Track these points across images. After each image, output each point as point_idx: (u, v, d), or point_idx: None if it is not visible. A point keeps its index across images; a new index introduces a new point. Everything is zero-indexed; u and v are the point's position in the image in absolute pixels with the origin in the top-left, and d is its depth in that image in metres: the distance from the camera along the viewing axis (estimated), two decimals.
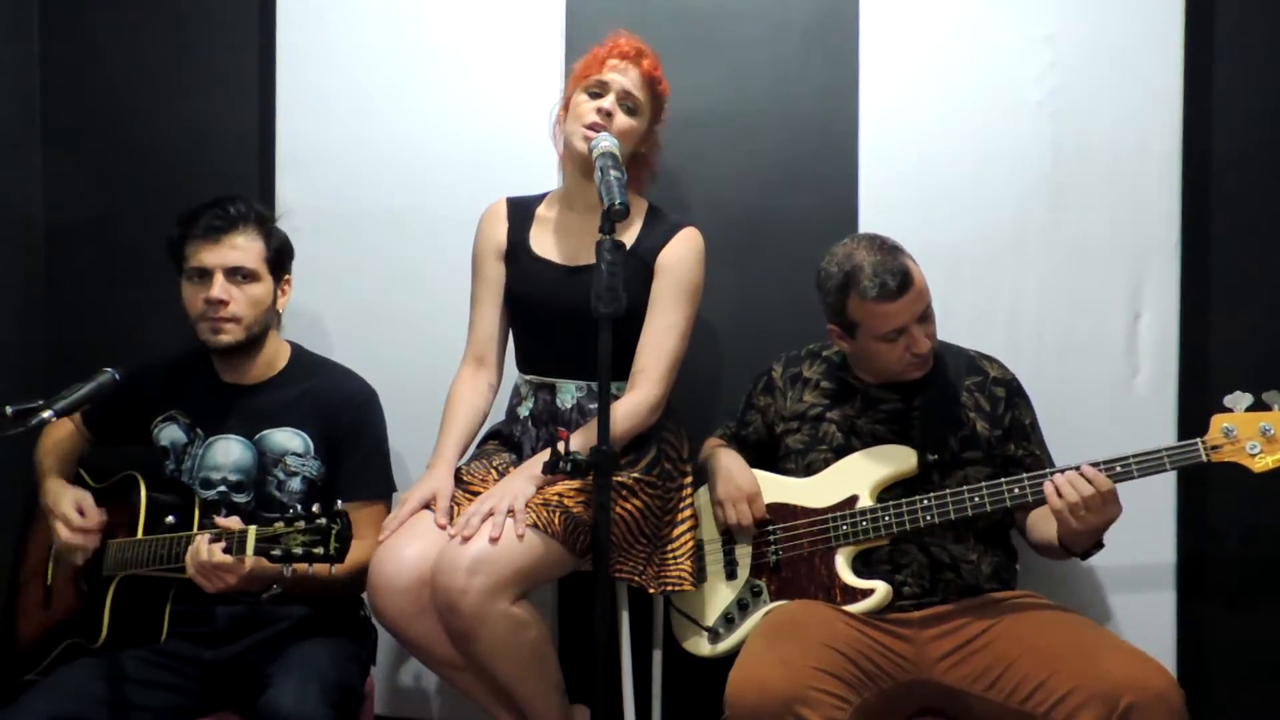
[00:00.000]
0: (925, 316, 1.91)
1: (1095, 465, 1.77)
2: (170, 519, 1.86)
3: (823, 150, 2.35)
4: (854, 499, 1.95)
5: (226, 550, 1.71)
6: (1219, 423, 1.77)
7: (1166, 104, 2.20)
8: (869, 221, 2.26)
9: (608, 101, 2.00)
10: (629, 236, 2.04)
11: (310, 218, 2.38)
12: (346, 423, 2.01)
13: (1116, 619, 2.21)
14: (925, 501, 1.89)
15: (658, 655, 2.14)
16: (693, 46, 2.36)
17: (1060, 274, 2.24)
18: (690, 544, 2.02)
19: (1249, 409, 1.76)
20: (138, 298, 2.47)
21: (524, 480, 1.90)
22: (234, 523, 1.74)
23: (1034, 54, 2.24)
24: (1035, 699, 1.70)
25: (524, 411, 2.09)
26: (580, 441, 1.89)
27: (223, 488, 1.97)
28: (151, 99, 2.54)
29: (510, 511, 1.83)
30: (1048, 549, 1.92)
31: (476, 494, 1.95)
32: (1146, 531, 2.15)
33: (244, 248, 1.95)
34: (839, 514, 1.95)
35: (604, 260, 1.64)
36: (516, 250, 2.10)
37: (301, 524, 1.68)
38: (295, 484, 1.98)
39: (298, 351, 2.10)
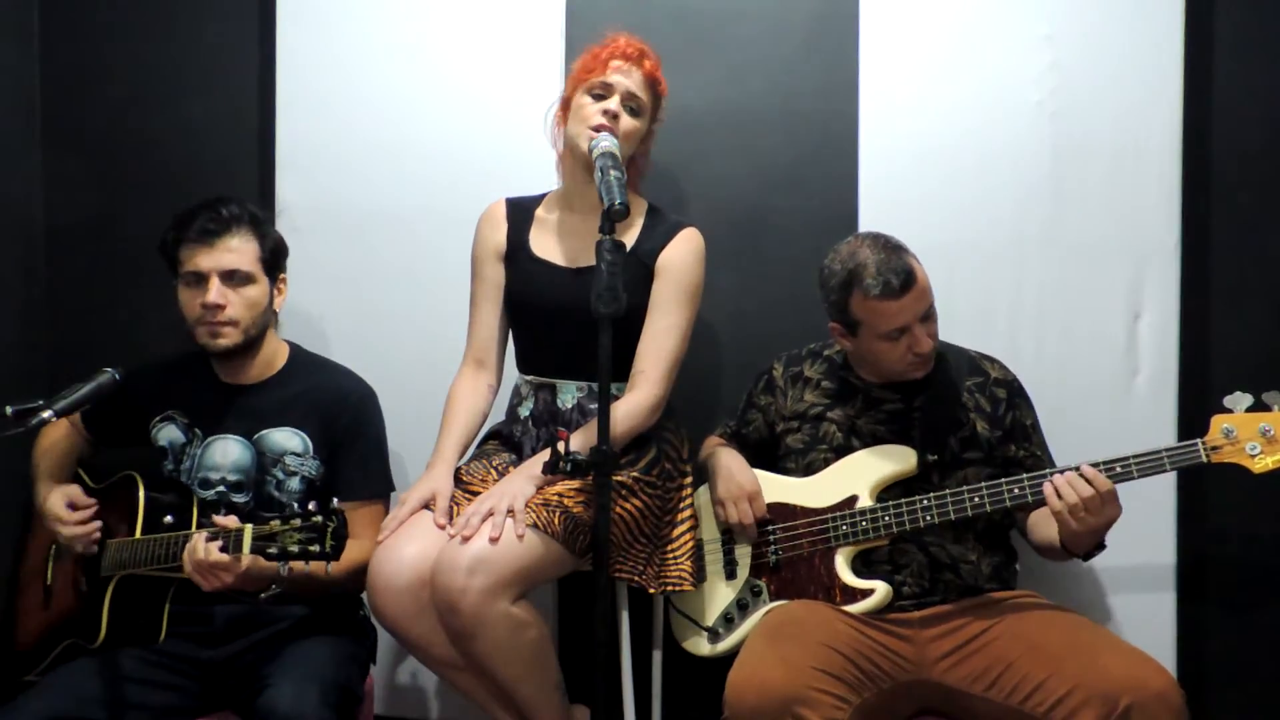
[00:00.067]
0: (928, 316, 1.91)
1: (1095, 466, 1.77)
2: (168, 519, 1.86)
3: (823, 150, 2.35)
4: (854, 499, 1.95)
5: (223, 549, 1.71)
6: (1219, 423, 1.77)
7: (1166, 104, 2.20)
8: (869, 221, 2.26)
9: (613, 103, 2.00)
10: (629, 237, 2.04)
11: (310, 218, 2.39)
12: (345, 422, 2.01)
13: (1116, 619, 2.21)
14: (925, 502, 1.89)
15: (658, 655, 2.14)
16: (693, 46, 2.37)
17: (1060, 274, 2.24)
18: (690, 544, 2.02)
19: (1249, 410, 1.76)
20: (138, 298, 2.47)
21: (524, 480, 1.90)
22: (231, 521, 1.74)
23: (1034, 54, 2.25)
24: (1035, 699, 1.70)
25: (524, 412, 2.09)
26: (580, 441, 1.89)
27: (221, 488, 1.97)
28: (151, 99, 2.54)
29: (510, 511, 1.83)
30: (1049, 550, 1.92)
31: (476, 494, 1.95)
32: (1146, 532, 2.15)
33: (238, 250, 1.94)
34: (839, 514, 1.94)
35: (604, 260, 1.64)
36: (516, 252, 2.10)
37: (297, 522, 1.68)
38: (294, 484, 1.98)
39: (296, 351, 2.10)
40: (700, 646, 2.03)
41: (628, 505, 1.93)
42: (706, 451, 2.16)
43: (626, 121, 2.00)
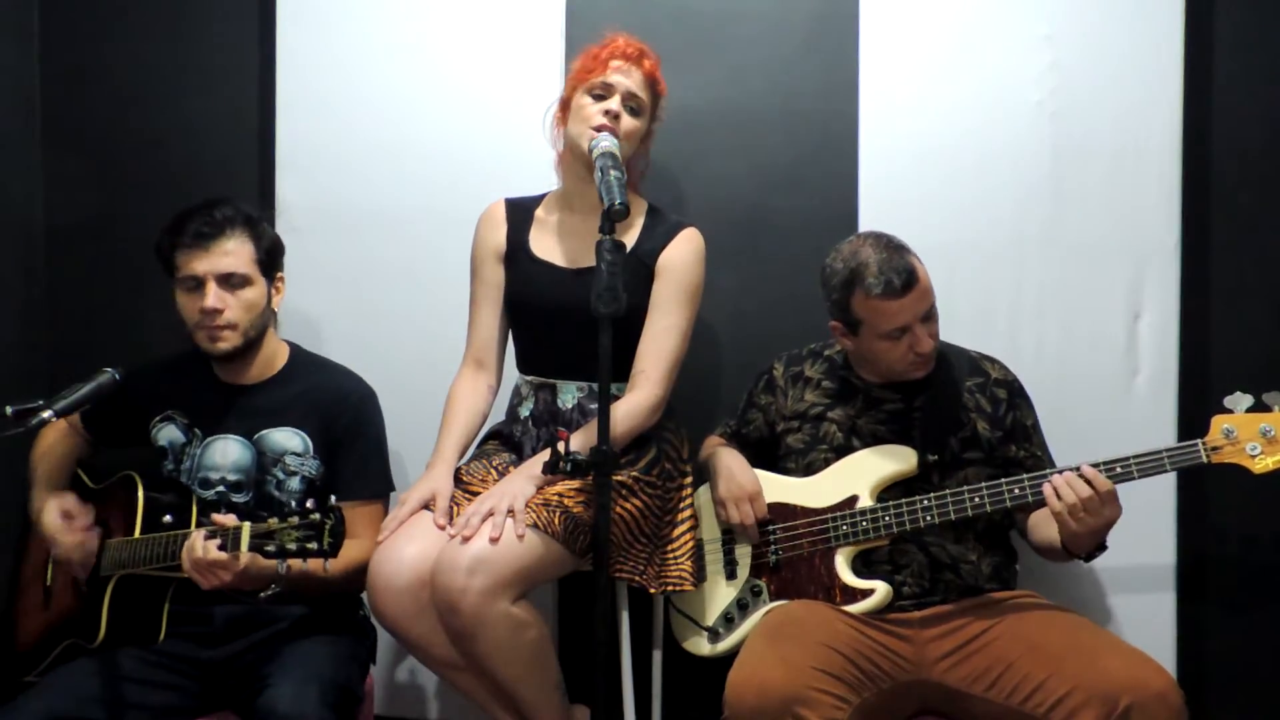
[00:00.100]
0: (929, 316, 1.91)
1: (1095, 466, 1.77)
2: (167, 518, 1.86)
3: (823, 150, 2.35)
4: (854, 499, 1.95)
5: (221, 547, 1.71)
6: (1219, 424, 1.77)
7: (1166, 104, 2.20)
8: (869, 221, 2.26)
9: (614, 103, 2.00)
10: (629, 237, 2.04)
11: (310, 218, 2.39)
12: (345, 422, 2.01)
13: (1116, 619, 2.21)
14: (925, 502, 1.89)
15: (658, 655, 2.14)
16: (693, 46, 2.36)
17: (1060, 274, 2.24)
18: (690, 544, 2.02)
19: (1249, 410, 1.76)
20: (138, 298, 2.47)
21: (524, 480, 1.90)
22: (229, 519, 1.74)
23: (1034, 54, 2.25)
24: (1035, 699, 1.70)
25: (524, 412, 2.09)
26: (580, 441, 1.89)
27: (221, 487, 1.97)
28: (151, 99, 2.54)
29: (510, 511, 1.83)
30: (1049, 551, 1.92)
31: (476, 494, 1.95)
32: (1146, 532, 2.14)
33: (234, 252, 1.93)
34: (839, 514, 1.94)
35: (604, 260, 1.64)
36: (516, 252, 2.10)
37: (295, 520, 1.68)
38: (294, 483, 1.98)
39: (296, 351, 2.09)
40: (700, 646, 2.03)
41: (628, 505, 1.93)
42: (707, 451, 2.16)
43: (627, 121, 2.01)
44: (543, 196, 2.16)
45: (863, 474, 1.95)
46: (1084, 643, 1.74)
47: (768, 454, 2.10)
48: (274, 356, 2.05)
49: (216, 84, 2.52)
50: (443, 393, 2.10)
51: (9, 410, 1.73)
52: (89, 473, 2.09)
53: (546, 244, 2.09)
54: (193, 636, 1.91)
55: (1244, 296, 2.28)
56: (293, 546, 1.67)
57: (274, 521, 1.68)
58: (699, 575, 2.02)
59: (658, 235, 2.05)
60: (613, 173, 1.76)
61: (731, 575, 2.03)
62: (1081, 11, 2.23)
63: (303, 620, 1.93)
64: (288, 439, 1.99)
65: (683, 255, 2.03)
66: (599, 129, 1.96)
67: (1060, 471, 1.78)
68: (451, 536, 1.83)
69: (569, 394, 2.04)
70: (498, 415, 2.16)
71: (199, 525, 1.86)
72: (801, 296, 2.29)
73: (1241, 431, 1.75)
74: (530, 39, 2.35)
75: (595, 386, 1.97)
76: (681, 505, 2.05)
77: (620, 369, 1.98)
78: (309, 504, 1.69)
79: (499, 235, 2.12)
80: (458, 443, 2.05)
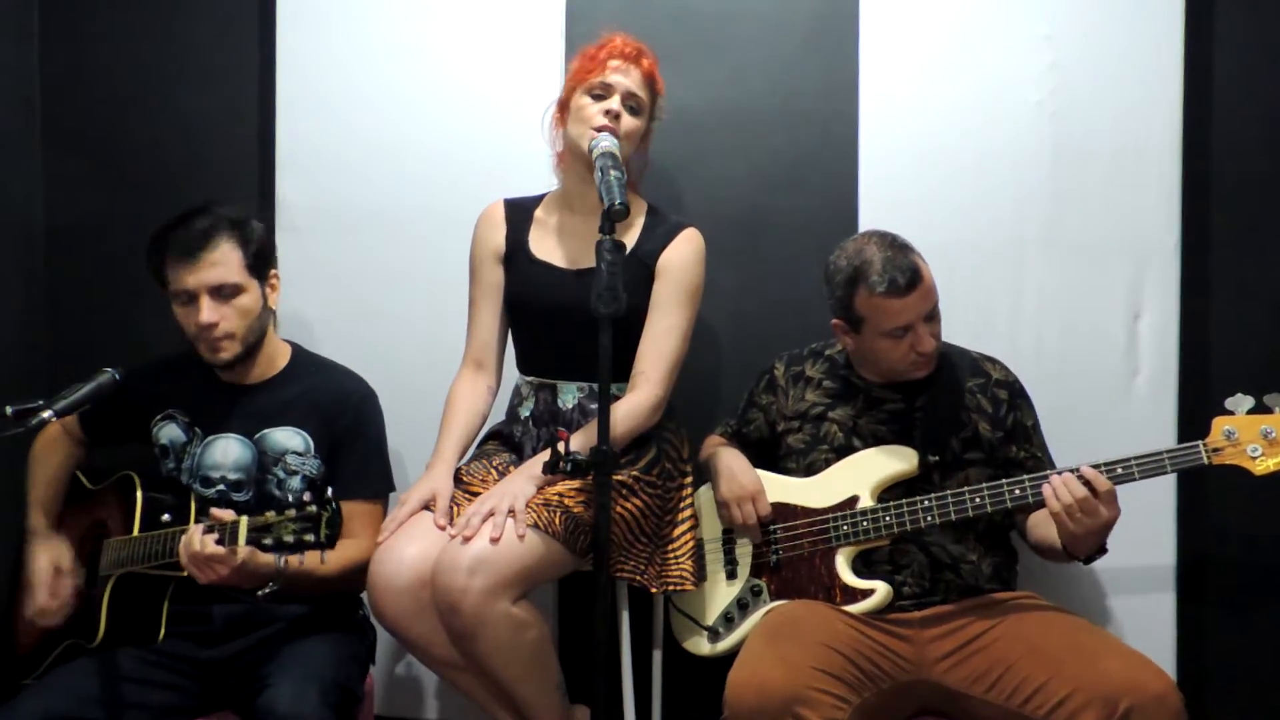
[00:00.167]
0: (932, 315, 1.91)
1: (1096, 467, 1.77)
2: (166, 517, 1.86)
3: (823, 150, 2.35)
4: (855, 499, 1.95)
5: (219, 541, 1.70)
6: (1220, 425, 1.77)
7: (1166, 104, 2.20)
8: (869, 221, 2.26)
9: (614, 103, 2.00)
10: (629, 237, 2.04)
11: (310, 218, 2.39)
12: (346, 422, 2.01)
13: (1117, 621, 2.21)
14: (926, 502, 1.89)
15: (658, 655, 2.14)
16: (693, 46, 2.36)
17: (1060, 274, 2.24)
18: (691, 543, 2.02)
19: (1250, 412, 1.76)
20: (138, 298, 2.46)
21: (524, 480, 1.90)
22: (227, 514, 1.74)
23: (1034, 54, 2.24)
24: (1035, 701, 1.70)
25: (525, 412, 2.09)
26: (580, 442, 1.89)
27: (222, 486, 1.97)
28: (151, 99, 2.54)
29: (511, 511, 1.83)
30: (1049, 552, 1.92)
31: (476, 494, 1.95)
32: (1146, 534, 2.14)
33: (222, 263, 1.91)
34: (839, 514, 1.94)
35: (604, 260, 1.64)
36: (515, 253, 2.10)
37: (292, 513, 1.68)
38: (295, 483, 1.98)
39: (298, 351, 2.09)
40: (700, 646, 2.03)
41: (628, 505, 1.93)
42: (708, 451, 2.16)
43: (627, 121, 2.00)
44: (542, 197, 2.16)
45: (863, 474, 1.95)
46: (1084, 644, 1.74)
47: (768, 454, 2.10)
48: (275, 356, 2.05)
49: (216, 84, 2.52)
50: (443, 393, 2.10)
51: (9, 410, 1.73)
52: (87, 473, 2.09)
53: (546, 245, 2.09)
54: (192, 636, 1.90)
55: (1244, 296, 2.28)
56: (290, 539, 1.66)
57: (271, 514, 1.68)
58: (699, 575, 2.02)
59: (658, 236, 2.05)
60: (613, 173, 1.76)
61: (732, 575, 2.03)
62: (1081, 11, 2.23)
63: (302, 620, 1.93)
64: (289, 438, 1.98)
65: (683, 256, 2.03)
66: (599, 129, 1.96)
67: (1060, 472, 1.78)
68: (452, 537, 1.83)
69: (569, 394, 2.04)
70: (498, 415, 2.16)
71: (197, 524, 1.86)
72: (801, 296, 2.29)
73: (1242, 433, 1.75)
74: (530, 39, 2.35)
75: (595, 387, 1.97)
76: (682, 505, 2.05)
77: (620, 369, 1.98)
78: (305, 496, 1.69)
79: (498, 236, 2.12)
80: (457, 443, 2.05)
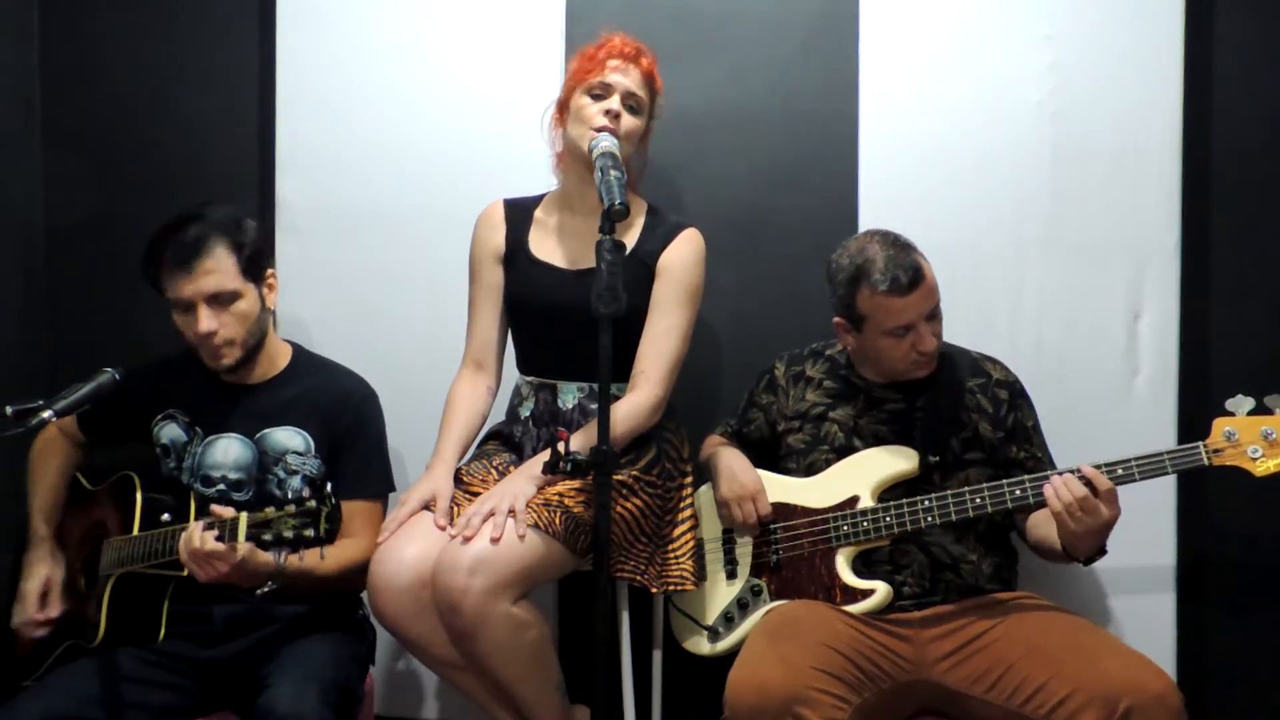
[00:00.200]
0: (934, 315, 1.91)
1: (1096, 468, 1.77)
2: (166, 516, 1.86)
3: (823, 150, 2.35)
4: (855, 499, 1.95)
5: (219, 538, 1.70)
6: (1220, 426, 1.77)
7: (1166, 104, 2.20)
8: (869, 221, 2.25)
9: (614, 103, 2.00)
10: (629, 237, 2.04)
11: (310, 218, 2.39)
12: (346, 422, 2.01)
13: (1117, 621, 2.21)
14: (926, 502, 1.89)
15: (658, 655, 2.14)
16: (693, 46, 2.36)
17: (1060, 274, 2.24)
18: (691, 543, 2.02)
19: (1250, 413, 1.76)
20: (138, 298, 2.42)
21: (524, 480, 1.90)
22: (226, 511, 1.74)
23: (1034, 54, 2.25)
24: (1035, 701, 1.70)
25: (525, 412, 2.09)
26: (580, 442, 1.89)
27: (222, 486, 1.97)
28: (151, 99, 2.54)
29: (511, 511, 1.83)
30: (1050, 552, 1.92)
31: (476, 494, 1.95)
32: (1147, 534, 2.14)
33: (217, 270, 1.89)
34: (840, 514, 1.94)
35: (604, 260, 1.64)
36: (515, 253, 2.10)
37: (292, 508, 1.68)
38: (295, 482, 1.98)
39: (299, 351, 2.09)
40: (700, 646, 2.03)
41: (628, 505, 1.93)
42: (708, 451, 2.16)
43: (627, 120, 2.01)
44: (541, 197, 2.16)
45: (864, 474, 1.95)
46: (1084, 645, 1.74)
47: (769, 454, 2.10)
48: (276, 356, 2.05)
49: (216, 84, 2.52)
50: (443, 393, 2.10)
51: (9, 410, 1.72)
52: (86, 473, 2.09)
53: (546, 245, 2.09)
54: (192, 636, 1.90)
55: (1244, 296, 2.28)
56: (289, 535, 1.67)
57: (270, 510, 1.68)
58: (700, 575, 2.02)
59: (658, 236, 2.05)
60: (613, 173, 1.76)
61: (732, 575, 2.03)
62: (1081, 11, 2.23)
63: (302, 620, 1.93)
64: (289, 438, 1.98)
65: (683, 256, 2.03)
66: (599, 129, 1.96)
67: (1061, 473, 1.78)
68: (452, 537, 1.83)
69: (569, 394, 2.04)
70: (498, 415, 2.16)
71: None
72: (801, 296, 2.29)
73: (1243, 434, 1.75)
74: (530, 39, 2.35)
75: (595, 387, 1.97)
76: (682, 505, 2.05)
77: (620, 369, 1.98)
78: (305, 492, 1.69)
79: (498, 236, 2.12)
80: (457, 443, 2.05)
